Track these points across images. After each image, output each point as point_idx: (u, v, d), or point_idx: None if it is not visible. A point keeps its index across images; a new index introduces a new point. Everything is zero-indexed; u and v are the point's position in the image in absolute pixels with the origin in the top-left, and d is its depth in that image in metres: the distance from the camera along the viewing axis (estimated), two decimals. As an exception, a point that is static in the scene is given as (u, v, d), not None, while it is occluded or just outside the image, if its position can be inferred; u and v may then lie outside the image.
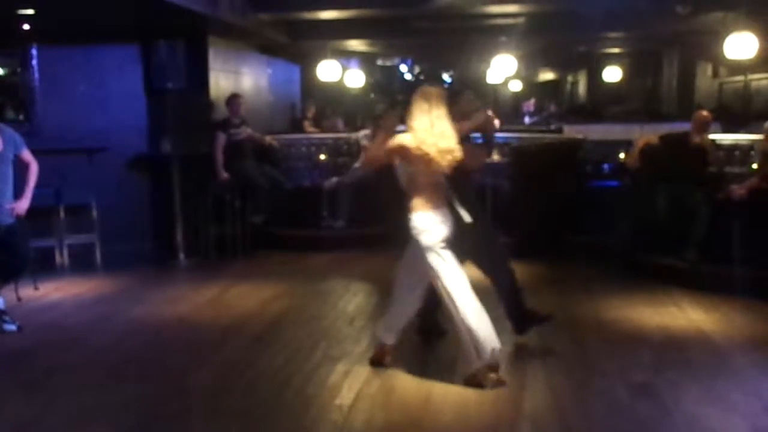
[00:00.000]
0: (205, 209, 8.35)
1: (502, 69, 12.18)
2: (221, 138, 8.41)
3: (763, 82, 11.38)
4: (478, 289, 4.60)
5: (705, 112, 7.53)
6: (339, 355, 5.06)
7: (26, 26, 7.80)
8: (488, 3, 9.05)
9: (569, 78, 20.30)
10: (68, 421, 4.14)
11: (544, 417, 4.10)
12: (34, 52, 7.98)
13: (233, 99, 8.64)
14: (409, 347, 5.19)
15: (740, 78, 12.05)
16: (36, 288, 6.97)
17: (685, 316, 5.99)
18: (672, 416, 4.05)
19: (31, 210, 5.97)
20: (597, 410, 4.19)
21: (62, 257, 7.97)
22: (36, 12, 7.40)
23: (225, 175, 8.39)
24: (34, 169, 5.97)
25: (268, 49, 11.10)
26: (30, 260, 6.18)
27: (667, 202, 7.14)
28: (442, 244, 4.41)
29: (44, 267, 7.55)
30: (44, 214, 7.59)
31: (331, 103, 14.17)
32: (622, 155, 8.55)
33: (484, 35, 11.43)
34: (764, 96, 11.40)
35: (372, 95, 17.21)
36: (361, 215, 8.94)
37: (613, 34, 12.11)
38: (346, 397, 4.35)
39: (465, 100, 5.34)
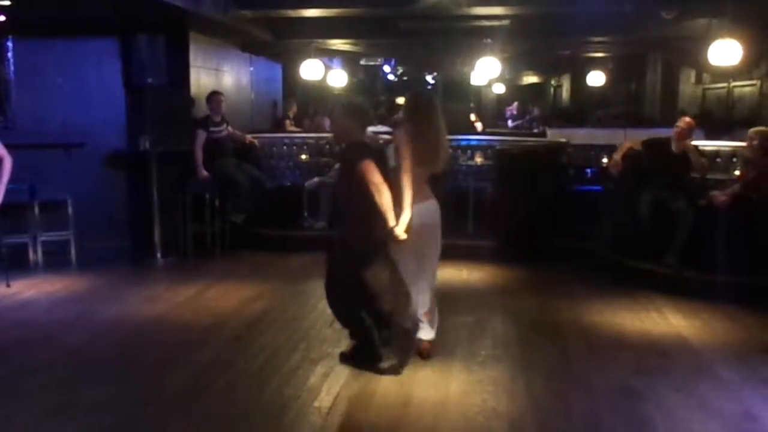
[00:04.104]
0: (183, 207, 8.25)
1: (486, 71, 12.17)
2: (201, 135, 8.34)
3: (746, 89, 11.45)
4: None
5: (688, 118, 7.53)
6: (318, 356, 5.01)
7: (2, 18, 7.64)
8: (473, 4, 9.01)
9: (553, 81, 20.39)
10: (40, 421, 4.05)
11: (523, 420, 4.08)
12: (9, 44, 7.83)
13: (214, 96, 8.57)
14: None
15: (723, 84, 12.12)
16: (8, 285, 6.85)
17: (666, 321, 6.00)
18: (652, 421, 4.03)
19: (5, 206, 5.83)
20: (577, 415, 4.17)
21: (36, 254, 7.81)
22: (12, 3, 7.26)
23: (205, 173, 8.32)
24: (7, 164, 5.84)
25: (250, 46, 11.02)
26: (3, 257, 6.06)
27: (649, 207, 7.14)
28: None
29: (18, 264, 7.41)
30: (18, 211, 7.44)
31: (313, 102, 14.11)
32: (605, 160, 8.55)
33: (469, 37, 11.40)
34: (747, 103, 11.46)
35: (354, 96, 17.17)
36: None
37: (597, 39, 12.13)
38: (325, 399, 4.31)
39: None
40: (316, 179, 9.25)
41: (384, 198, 4.42)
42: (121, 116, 8.34)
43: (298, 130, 11.80)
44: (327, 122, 12.11)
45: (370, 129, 10.00)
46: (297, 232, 9.13)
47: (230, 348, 5.26)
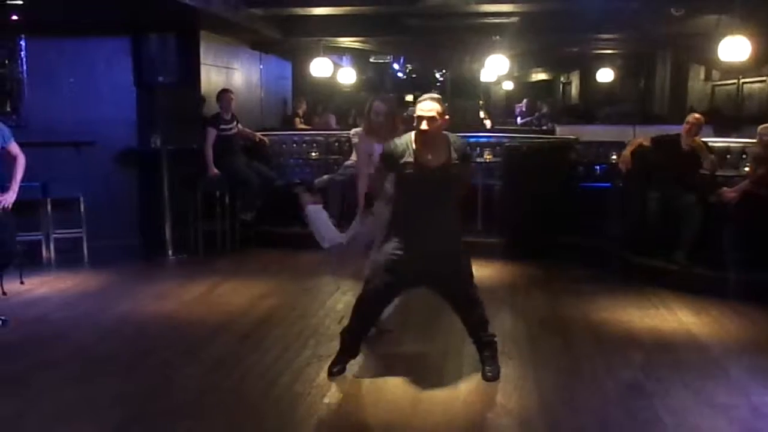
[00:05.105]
0: (194, 205, 8.30)
1: (495, 68, 12.16)
2: (212, 133, 8.36)
3: (756, 86, 11.39)
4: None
5: (697, 115, 7.52)
6: (328, 353, 5.01)
7: (15, 17, 7.71)
8: (482, 1, 9.02)
9: (562, 78, 20.29)
10: (52, 417, 4.08)
11: (532, 416, 4.09)
12: (22, 43, 7.89)
13: (224, 94, 8.59)
14: (398, 348, 5.18)
15: (733, 81, 12.06)
16: (22, 282, 6.91)
17: (675, 318, 6.00)
18: (661, 417, 4.04)
19: (18, 204, 5.91)
20: (585, 410, 4.18)
21: (49, 252, 7.88)
22: (25, 2, 7.32)
23: (215, 170, 8.35)
24: (21, 161, 5.91)
25: (260, 44, 11.05)
26: (16, 254, 6.12)
27: (658, 204, 7.14)
28: None
29: (31, 261, 7.46)
30: (31, 208, 7.51)
31: (322, 100, 14.14)
32: (614, 157, 8.53)
33: (477, 34, 11.40)
34: (756, 100, 11.40)
35: (363, 93, 17.18)
36: (351, 213, 8.88)
37: (606, 35, 12.10)
38: (334, 395, 4.32)
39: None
40: (325, 176, 9.27)
41: None
42: (132, 114, 8.39)
43: (307, 127, 11.83)
44: (333, 119, 12.15)
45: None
46: (306, 229, 9.12)
47: (240, 345, 5.29)
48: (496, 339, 4.71)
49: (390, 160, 4.40)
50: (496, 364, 4.63)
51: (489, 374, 4.55)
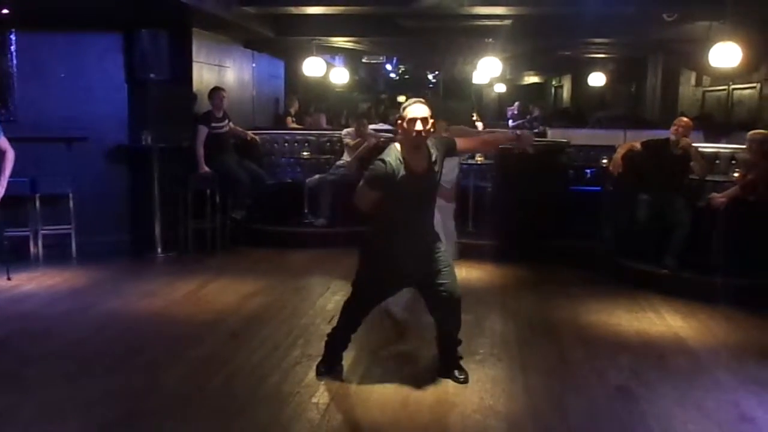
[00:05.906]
0: (184, 203, 8.27)
1: (488, 71, 12.18)
2: (203, 131, 8.35)
3: (746, 92, 11.48)
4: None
5: (685, 118, 7.57)
6: (317, 353, 4.99)
7: (5, 11, 7.66)
8: (475, 4, 9.03)
9: (554, 82, 20.39)
10: (40, 414, 4.06)
11: (520, 418, 4.10)
12: (13, 37, 7.82)
13: (216, 92, 8.58)
14: (388, 348, 5.18)
15: (723, 87, 12.14)
16: (9, 278, 6.86)
17: (664, 322, 6.02)
18: (648, 421, 4.05)
19: (6, 199, 5.89)
20: (573, 413, 4.19)
21: (37, 248, 7.81)
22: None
23: (206, 168, 8.33)
24: (10, 156, 5.88)
25: (253, 43, 11.04)
26: (3, 250, 6.08)
27: (648, 208, 7.16)
28: None
29: (18, 257, 7.43)
30: (19, 204, 7.46)
31: (315, 99, 14.14)
32: (604, 160, 8.57)
33: (471, 36, 11.43)
34: (746, 106, 11.50)
35: (355, 93, 17.22)
36: (342, 213, 8.90)
37: (598, 40, 12.16)
38: (323, 395, 4.32)
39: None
40: (317, 176, 9.27)
41: None
42: (123, 111, 8.34)
43: (299, 127, 11.82)
44: (323, 119, 12.15)
45: (371, 127, 10.06)
46: (297, 228, 9.15)
47: (229, 343, 5.28)
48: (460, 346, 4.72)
49: (385, 181, 4.15)
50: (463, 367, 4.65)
51: (461, 378, 4.57)
